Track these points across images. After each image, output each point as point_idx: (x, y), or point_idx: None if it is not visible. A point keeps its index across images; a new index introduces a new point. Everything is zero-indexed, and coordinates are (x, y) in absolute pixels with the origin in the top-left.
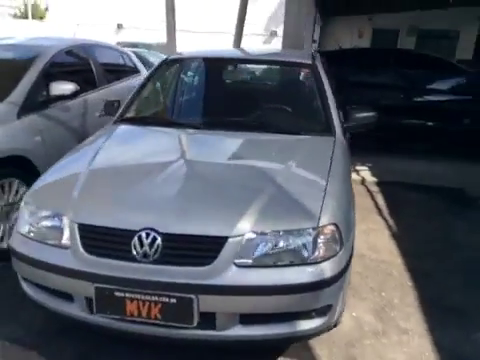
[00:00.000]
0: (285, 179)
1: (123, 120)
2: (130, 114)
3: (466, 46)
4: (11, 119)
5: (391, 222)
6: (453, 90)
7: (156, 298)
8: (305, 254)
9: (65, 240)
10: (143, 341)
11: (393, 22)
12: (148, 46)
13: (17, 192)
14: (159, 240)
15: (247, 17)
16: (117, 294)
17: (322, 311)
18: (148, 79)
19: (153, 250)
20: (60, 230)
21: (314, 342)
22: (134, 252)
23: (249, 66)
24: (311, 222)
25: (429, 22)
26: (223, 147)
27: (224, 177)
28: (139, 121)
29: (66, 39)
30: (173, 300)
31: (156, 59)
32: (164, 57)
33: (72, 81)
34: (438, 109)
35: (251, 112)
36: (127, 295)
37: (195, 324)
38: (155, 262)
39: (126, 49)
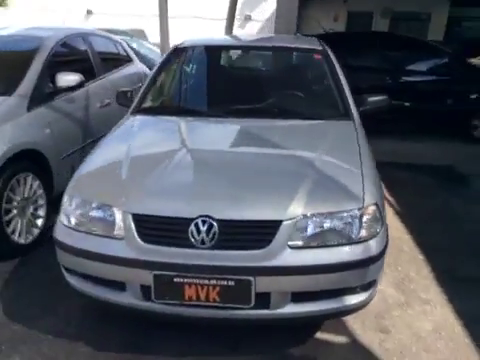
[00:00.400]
0: (322, 163)
1: (140, 110)
2: (147, 104)
3: (437, 28)
4: (22, 112)
5: (392, 200)
6: (436, 71)
7: (215, 282)
8: (352, 234)
9: (117, 231)
10: (200, 324)
11: (367, 5)
12: (124, 33)
13: (31, 186)
14: (215, 226)
15: (220, 1)
16: (176, 280)
17: (367, 286)
18: (161, 68)
19: (210, 236)
20: (111, 221)
21: (347, 316)
22: (192, 239)
23: (261, 53)
24: (356, 203)
25: (402, 4)
26: (252, 134)
27: (265, 164)
28: (159, 111)
29: (63, 28)
30: (231, 283)
31: (142, 48)
32: (147, 45)
33: (74, 71)
34: (423, 90)
35: (270, 99)
36: (186, 280)
37: (252, 304)
38: (212, 247)
39: (117, 37)
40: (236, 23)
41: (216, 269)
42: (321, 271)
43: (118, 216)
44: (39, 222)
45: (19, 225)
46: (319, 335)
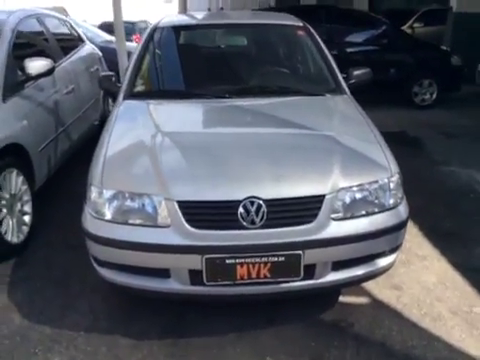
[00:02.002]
0: (343, 138)
1: (133, 95)
2: (139, 88)
3: None
4: None
5: None
6: (378, 42)
7: (266, 259)
8: (384, 201)
9: (162, 219)
10: (251, 300)
11: None
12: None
13: (16, 183)
14: (264, 206)
15: None
16: (228, 261)
17: (395, 249)
18: (144, 49)
19: (259, 216)
20: (152, 210)
21: None
22: (241, 220)
23: (243, 30)
24: (386, 173)
25: None
26: (263, 113)
27: (291, 141)
28: (155, 94)
29: (13, 10)
30: (282, 258)
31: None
32: (86, 25)
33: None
34: (368, 61)
35: (265, 77)
36: (238, 261)
37: (302, 276)
38: (262, 227)
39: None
40: None
41: (267, 247)
42: (361, 239)
43: (160, 204)
44: (27, 219)
45: (10, 224)
46: (342, 299)
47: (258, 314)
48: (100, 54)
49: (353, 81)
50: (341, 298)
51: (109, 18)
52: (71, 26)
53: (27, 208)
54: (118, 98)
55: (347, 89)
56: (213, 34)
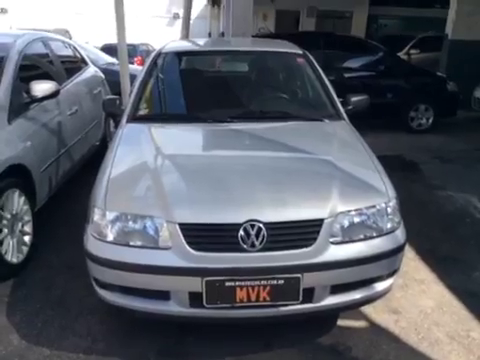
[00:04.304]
0: (342, 163)
1: (137, 118)
2: (143, 112)
3: (359, 25)
4: (3, 125)
5: None
6: (375, 67)
7: (265, 282)
8: (382, 226)
9: (163, 241)
10: (249, 323)
11: (294, 4)
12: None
13: (18, 203)
14: (264, 229)
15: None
16: (228, 284)
17: (392, 273)
18: (148, 73)
19: (259, 239)
20: (153, 232)
21: None
22: (242, 243)
23: (245, 57)
24: (383, 198)
25: (326, 3)
26: (264, 137)
27: (291, 166)
28: (157, 118)
29: (20, 33)
30: (281, 281)
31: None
32: (89, 47)
33: (43, 79)
34: (365, 86)
35: (265, 102)
36: (237, 283)
37: (300, 300)
38: (262, 250)
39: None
40: (164, 21)
41: (267, 270)
42: (359, 263)
43: (162, 226)
44: (27, 239)
45: (10, 244)
46: (341, 322)
47: (256, 338)
48: (103, 76)
49: (351, 107)
50: (339, 322)
51: (111, 40)
52: (75, 49)
53: (27, 228)
54: (121, 121)
55: (345, 115)
56: (215, 60)
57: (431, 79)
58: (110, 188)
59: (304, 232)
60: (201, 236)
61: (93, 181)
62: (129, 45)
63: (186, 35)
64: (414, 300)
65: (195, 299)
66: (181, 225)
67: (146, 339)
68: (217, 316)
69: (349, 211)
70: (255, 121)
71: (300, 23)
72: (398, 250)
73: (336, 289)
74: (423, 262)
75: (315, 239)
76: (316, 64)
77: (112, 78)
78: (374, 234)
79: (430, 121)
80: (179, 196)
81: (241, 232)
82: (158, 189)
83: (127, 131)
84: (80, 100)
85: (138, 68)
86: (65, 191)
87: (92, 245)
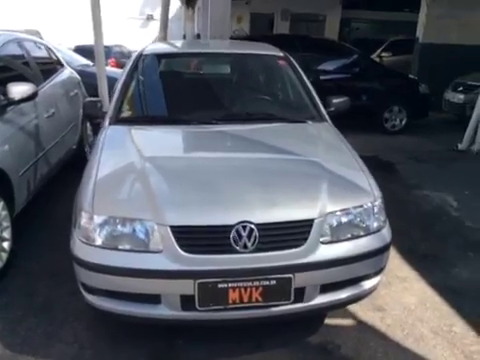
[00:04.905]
0: (328, 164)
1: (120, 121)
2: (126, 114)
3: (332, 28)
4: None
5: None
6: (350, 70)
7: (257, 283)
8: (369, 225)
9: (154, 244)
10: (242, 324)
11: (268, 7)
12: None
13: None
14: (255, 230)
15: (120, 1)
16: (220, 286)
17: (379, 271)
18: (130, 76)
19: (251, 240)
20: (143, 235)
21: None
22: (234, 245)
23: (228, 59)
24: (369, 197)
25: (300, 7)
26: (250, 138)
27: (278, 167)
28: (141, 120)
29: None
30: (273, 282)
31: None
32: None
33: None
34: (341, 88)
35: (248, 104)
36: (230, 285)
37: (292, 299)
38: (255, 250)
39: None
40: (138, 23)
41: (259, 271)
42: (349, 262)
43: (152, 230)
44: (6, 245)
45: None
46: (328, 321)
47: (247, 339)
48: (79, 78)
49: (332, 109)
50: (327, 320)
51: (82, 42)
52: (50, 50)
53: (6, 234)
54: (104, 123)
55: (327, 116)
56: (198, 62)
57: (404, 81)
58: (97, 191)
59: (295, 232)
60: (193, 238)
61: (72, 185)
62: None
63: (164, 37)
64: (398, 297)
65: (187, 302)
66: (172, 228)
67: (135, 344)
68: (209, 318)
69: (338, 211)
70: (239, 123)
71: (274, 26)
72: (385, 249)
73: (325, 288)
74: (404, 260)
75: (306, 239)
76: (297, 66)
77: (88, 80)
78: (362, 233)
79: (403, 122)
80: (169, 198)
81: (233, 233)
82: (147, 192)
83: (111, 133)
84: (57, 102)
85: (113, 70)
86: (44, 195)
87: (79, 249)
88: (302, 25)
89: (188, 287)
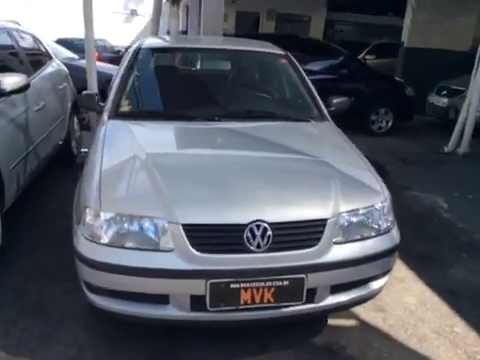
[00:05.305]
0: (336, 163)
1: (119, 115)
2: (125, 108)
3: (317, 29)
4: None
5: None
6: (338, 71)
7: (270, 283)
8: (380, 225)
9: (164, 243)
10: (252, 326)
11: (254, 5)
12: None
13: None
14: (269, 230)
15: None
16: (233, 286)
17: (386, 272)
18: (127, 70)
19: (265, 240)
20: (153, 233)
21: None
22: (247, 244)
23: (229, 55)
24: (380, 198)
25: (285, 7)
26: (255, 136)
27: (288, 165)
28: (143, 115)
29: None
30: (286, 282)
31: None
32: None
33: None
34: (328, 88)
35: (251, 101)
36: (242, 285)
37: (304, 300)
38: (268, 250)
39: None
40: (122, 18)
41: (273, 271)
42: (360, 263)
43: (163, 228)
44: None
45: None
46: (331, 322)
47: (252, 340)
48: (67, 71)
49: (333, 109)
50: (330, 321)
51: (63, 35)
52: (40, 42)
53: None
54: (102, 118)
55: (329, 116)
56: (198, 58)
57: (391, 84)
58: (103, 187)
59: (308, 232)
60: (205, 237)
61: (61, 180)
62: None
63: (156, 32)
64: (398, 298)
65: (197, 302)
66: (185, 226)
67: (136, 345)
68: (220, 319)
69: (350, 211)
70: (241, 120)
71: (260, 25)
72: (394, 249)
73: (335, 289)
74: (401, 261)
75: (319, 239)
76: (298, 65)
77: (75, 73)
78: (372, 234)
79: (389, 124)
80: (180, 196)
81: (247, 233)
82: (156, 188)
83: (112, 128)
84: (46, 96)
85: (100, 64)
86: (33, 190)
87: (84, 247)
88: (287, 25)
89: (199, 287)
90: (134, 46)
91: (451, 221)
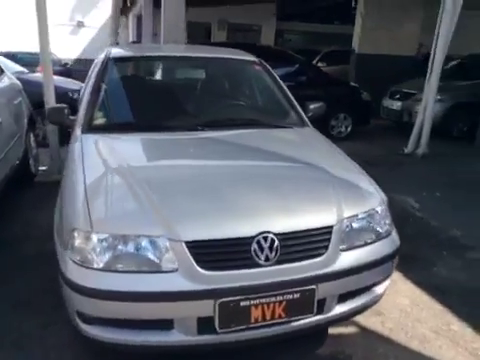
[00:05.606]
0: (331, 168)
1: (93, 128)
2: (99, 121)
3: (268, 38)
4: None
5: None
6: (298, 78)
7: (281, 297)
8: (381, 229)
9: (167, 263)
10: (265, 343)
11: (205, 16)
12: None
13: None
14: (277, 241)
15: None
16: (243, 304)
17: (389, 275)
18: (98, 81)
19: (273, 252)
20: (154, 253)
21: None
22: (256, 258)
23: (204, 63)
24: (378, 201)
25: (236, 16)
26: (244, 145)
27: (282, 173)
28: (120, 127)
29: None
30: (297, 295)
31: None
32: None
33: None
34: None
35: (231, 110)
36: (252, 302)
37: (315, 312)
38: (277, 263)
39: None
40: (68, 30)
41: (283, 284)
42: (367, 268)
43: (164, 247)
44: None
45: None
46: (332, 331)
47: (256, 354)
48: (21, 86)
49: (310, 114)
50: (331, 330)
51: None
52: None
53: None
54: (74, 132)
55: (309, 122)
56: (173, 66)
57: (348, 89)
58: (92, 207)
59: (316, 241)
60: (211, 253)
61: (22, 202)
62: (30, 54)
63: (115, 43)
64: (391, 300)
65: (204, 325)
66: (188, 243)
67: None
68: (230, 340)
69: (353, 216)
70: (226, 129)
71: (212, 35)
72: (397, 252)
73: (343, 297)
74: None
75: (327, 247)
76: (273, 72)
77: (27, 87)
78: (375, 238)
79: (349, 129)
80: (180, 211)
81: (254, 245)
82: (150, 204)
83: (88, 142)
84: (0, 112)
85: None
86: None
87: (75, 273)
88: (239, 35)
89: (207, 308)
90: (101, 57)
91: (425, 220)
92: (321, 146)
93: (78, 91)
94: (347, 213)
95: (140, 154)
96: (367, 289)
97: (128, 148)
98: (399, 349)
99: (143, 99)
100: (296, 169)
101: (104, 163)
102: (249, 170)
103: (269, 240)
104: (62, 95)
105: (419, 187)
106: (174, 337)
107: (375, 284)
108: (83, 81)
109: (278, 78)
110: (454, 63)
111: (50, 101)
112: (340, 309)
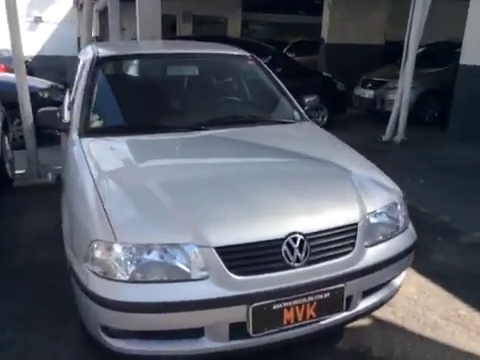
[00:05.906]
0: (345, 163)
1: (90, 132)
2: (96, 124)
3: (234, 30)
4: None
5: None
6: (272, 70)
7: (312, 298)
8: (400, 222)
9: (196, 270)
10: (297, 344)
11: (169, 8)
12: None
13: None
14: (306, 241)
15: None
16: (275, 307)
17: (406, 267)
18: (90, 82)
19: (303, 252)
20: (182, 261)
21: None
22: (286, 260)
23: (197, 60)
24: (396, 194)
25: (200, 9)
26: (251, 142)
27: (301, 170)
28: (120, 130)
29: None
30: (327, 295)
31: None
32: None
33: None
34: None
35: (229, 107)
36: (285, 304)
37: (344, 309)
38: (308, 263)
39: None
40: (25, 26)
41: (314, 285)
42: (390, 262)
43: (193, 254)
44: None
45: None
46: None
47: (276, 352)
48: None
49: (306, 108)
50: None
51: None
52: None
53: None
54: (70, 136)
55: (307, 115)
56: (166, 64)
57: (323, 79)
58: (110, 215)
59: (343, 238)
60: (242, 258)
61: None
62: None
63: (88, 38)
64: None
65: (237, 330)
66: (218, 249)
67: None
68: (263, 343)
69: (375, 211)
70: (228, 127)
71: (177, 28)
72: (415, 245)
73: (366, 292)
74: None
75: (353, 244)
76: (266, 66)
77: None
78: (396, 231)
79: (325, 119)
80: (205, 215)
81: (284, 247)
82: (173, 209)
83: (90, 146)
84: None
85: (8, 75)
86: None
87: (99, 286)
88: (205, 27)
89: (240, 314)
90: (88, 57)
91: (414, 206)
92: (327, 140)
93: (47, 90)
94: (370, 208)
95: (149, 156)
96: (388, 282)
97: (135, 151)
98: (414, 338)
99: (141, 99)
100: (311, 165)
101: (114, 168)
102: (264, 168)
103: (298, 241)
104: (32, 94)
105: (402, 174)
106: (205, 344)
107: (394, 277)
108: (47, 79)
109: (271, 72)
110: (420, 51)
111: (24, 102)
112: (364, 304)
